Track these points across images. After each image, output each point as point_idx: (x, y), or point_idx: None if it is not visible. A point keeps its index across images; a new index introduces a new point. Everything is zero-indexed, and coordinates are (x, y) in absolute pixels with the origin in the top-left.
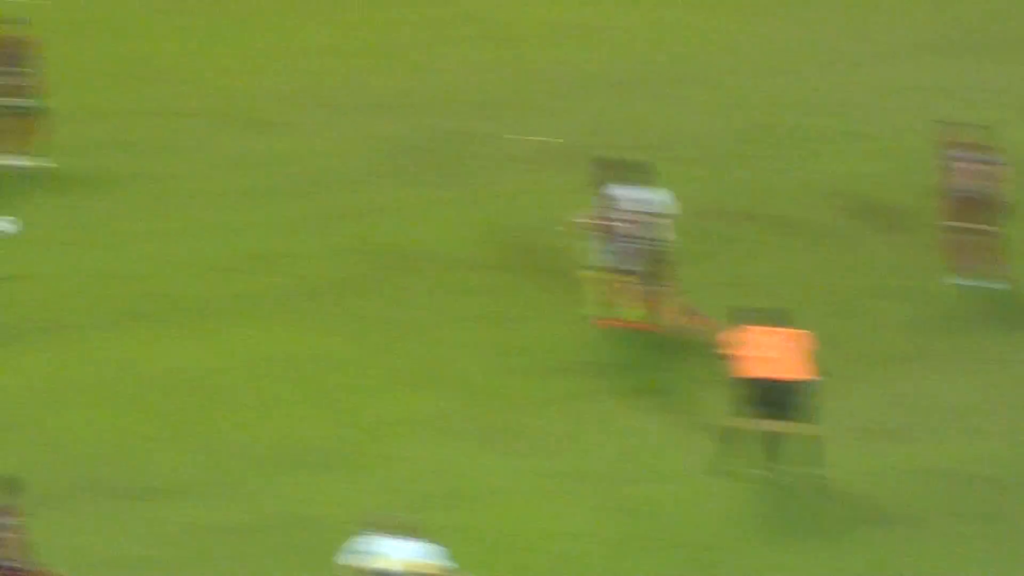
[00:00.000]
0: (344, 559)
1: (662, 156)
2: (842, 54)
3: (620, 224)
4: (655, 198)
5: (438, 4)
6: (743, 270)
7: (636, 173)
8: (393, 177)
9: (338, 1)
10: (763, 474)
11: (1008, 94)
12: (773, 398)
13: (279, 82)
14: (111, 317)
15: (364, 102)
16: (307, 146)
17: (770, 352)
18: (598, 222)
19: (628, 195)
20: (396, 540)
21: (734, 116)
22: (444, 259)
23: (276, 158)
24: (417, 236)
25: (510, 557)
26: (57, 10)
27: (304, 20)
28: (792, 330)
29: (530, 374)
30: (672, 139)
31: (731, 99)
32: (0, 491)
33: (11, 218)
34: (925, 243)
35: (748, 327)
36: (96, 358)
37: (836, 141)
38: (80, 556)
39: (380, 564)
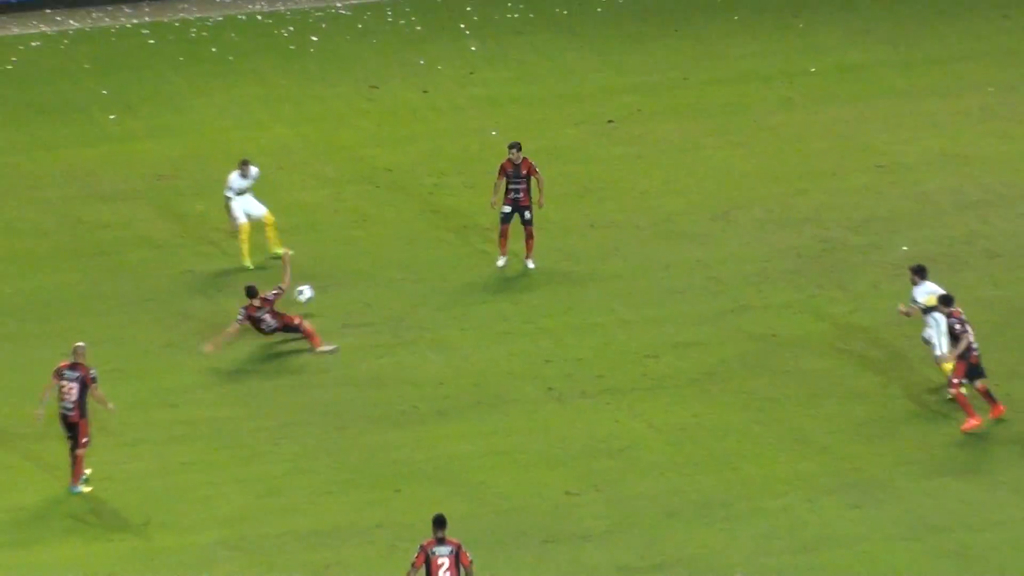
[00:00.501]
0: None
1: (994, 262)
2: None
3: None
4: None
5: (840, 137)
6: None
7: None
8: (785, 280)
9: (746, 131)
10: None
11: None
12: None
13: (693, 200)
14: (545, 394)
15: (764, 217)
16: (715, 253)
17: None
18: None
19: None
20: None
21: None
22: (817, 345)
23: (691, 263)
24: (799, 327)
25: None
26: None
27: (714, 148)
28: None
29: (884, 440)
30: (1011, 247)
31: None
32: (433, 526)
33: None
34: None
35: None
36: (529, 428)
37: None
38: None
39: None
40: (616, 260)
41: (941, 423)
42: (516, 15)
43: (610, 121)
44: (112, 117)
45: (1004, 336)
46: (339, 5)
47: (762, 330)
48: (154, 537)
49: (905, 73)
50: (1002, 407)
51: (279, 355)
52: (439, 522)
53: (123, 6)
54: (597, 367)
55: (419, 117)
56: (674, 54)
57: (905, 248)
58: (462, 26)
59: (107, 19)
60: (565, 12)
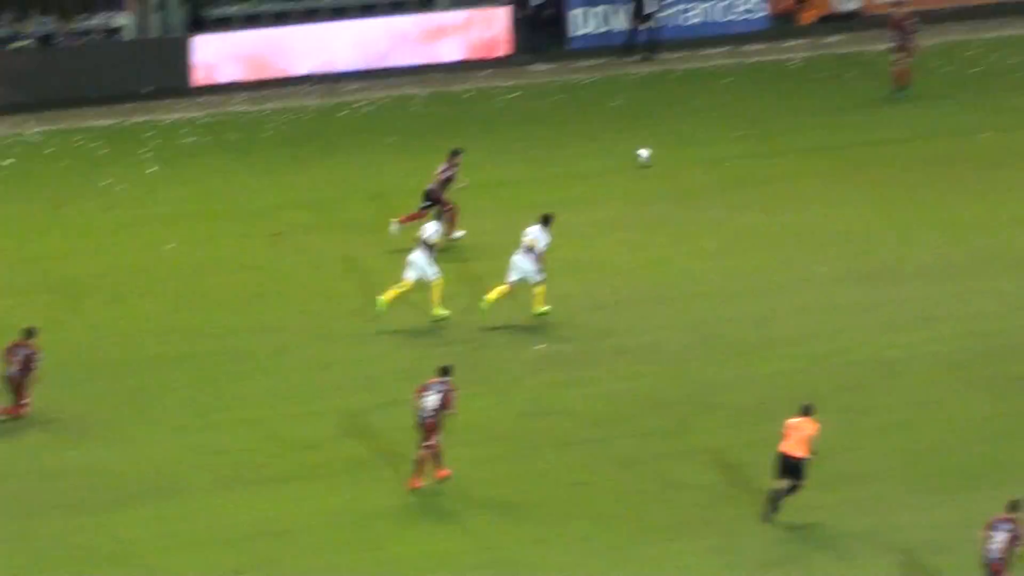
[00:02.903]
0: None
1: (621, 358)
2: (775, 281)
3: None
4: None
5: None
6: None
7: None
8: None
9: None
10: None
11: None
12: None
13: (351, 305)
14: (215, 482)
15: (415, 321)
16: (371, 353)
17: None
18: None
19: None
20: None
21: (689, 328)
22: (464, 435)
23: (349, 362)
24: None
25: None
26: None
27: (372, 259)
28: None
29: (525, 522)
30: (636, 344)
31: (690, 316)
32: None
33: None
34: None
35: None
36: (201, 512)
37: (765, 348)
38: None
39: None
40: (281, 359)
41: (569, 506)
42: (193, 139)
43: (276, 234)
44: None
45: (629, 425)
46: (30, 132)
47: (412, 422)
48: None
49: (543, 188)
50: (417, 483)
51: None
52: None
53: None
54: (262, 457)
55: (102, 232)
56: (334, 173)
57: (544, 345)
58: (143, 150)
59: None
60: (237, 136)
